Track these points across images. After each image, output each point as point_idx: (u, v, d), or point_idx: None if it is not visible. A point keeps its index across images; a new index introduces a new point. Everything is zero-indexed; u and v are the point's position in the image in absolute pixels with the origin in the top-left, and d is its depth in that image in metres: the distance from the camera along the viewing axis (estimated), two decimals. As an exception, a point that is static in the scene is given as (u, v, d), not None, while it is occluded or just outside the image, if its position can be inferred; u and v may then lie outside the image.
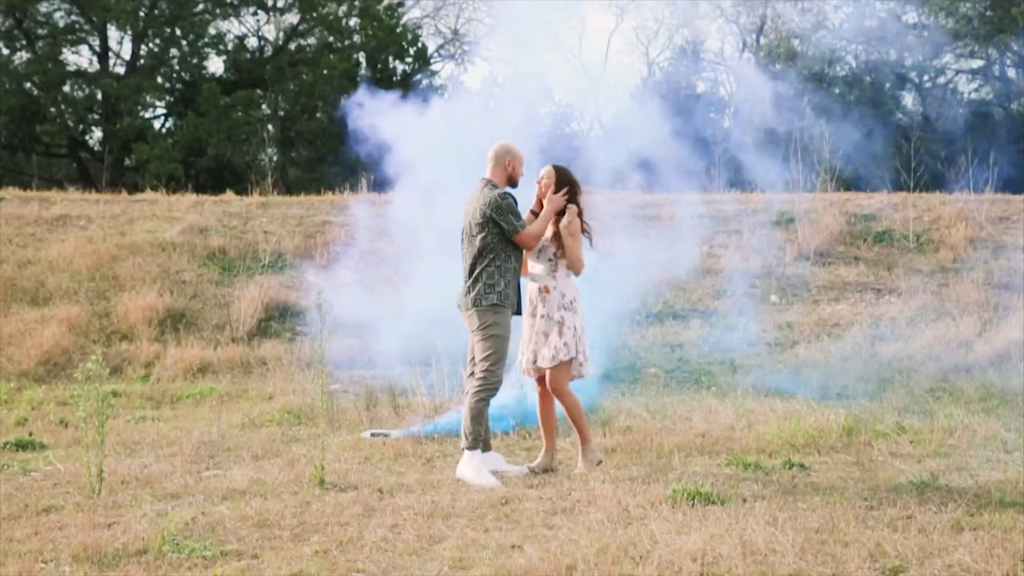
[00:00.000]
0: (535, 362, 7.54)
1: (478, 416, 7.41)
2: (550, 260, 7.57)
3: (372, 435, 9.08)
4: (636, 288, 13.45)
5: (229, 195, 18.32)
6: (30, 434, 9.29)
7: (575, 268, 7.56)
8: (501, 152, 7.67)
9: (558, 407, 7.69)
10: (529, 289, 7.63)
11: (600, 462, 7.64)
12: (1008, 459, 7.85)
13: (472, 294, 7.49)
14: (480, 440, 7.42)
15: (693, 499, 6.47)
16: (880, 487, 6.97)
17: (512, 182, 7.70)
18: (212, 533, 5.96)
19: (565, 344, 7.45)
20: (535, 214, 7.66)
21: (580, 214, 7.62)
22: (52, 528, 6.11)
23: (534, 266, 7.65)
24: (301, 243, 16.00)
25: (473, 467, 7.32)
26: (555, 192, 7.58)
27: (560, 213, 7.57)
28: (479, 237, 7.49)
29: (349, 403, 10.39)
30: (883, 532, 5.81)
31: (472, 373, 7.61)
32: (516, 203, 7.54)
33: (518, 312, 7.63)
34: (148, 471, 7.69)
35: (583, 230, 7.61)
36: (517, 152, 7.71)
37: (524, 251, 7.60)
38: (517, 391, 9.24)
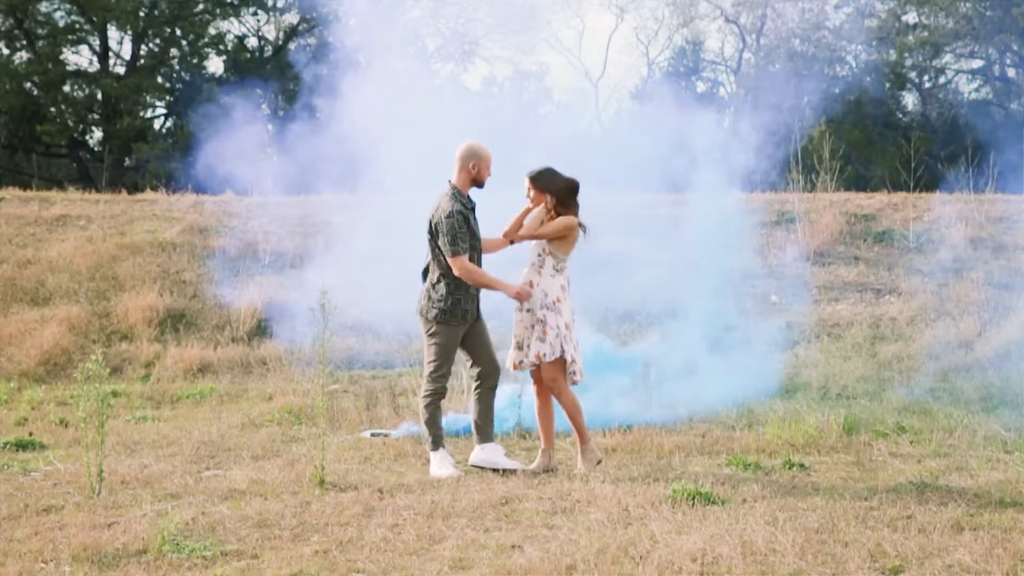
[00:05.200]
0: (522, 358, 7.55)
1: (431, 419, 7.60)
2: (539, 255, 7.58)
3: (372, 435, 9.08)
4: (636, 288, 13.45)
5: (229, 195, 18.31)
6: (30, 434, 9.29)
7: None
8: (466, 154, 7.58)
9: (557, 409, 7.70)
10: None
11: (600, 461, 7.64)
12: (1008, 459, 7.85)
13: (422, 301, 7.61)
14: (440, 441, 7.60)
15: (693, 499, 6.47)
16: (880, 487, 6.97)
17: (477, 184, 7.64)
18: (212, 533, 5.97)
19: (549, 345, 7.47)
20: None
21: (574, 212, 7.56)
22: (52, 528, 6.11)
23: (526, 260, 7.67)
24: (301, 243, 15.99)
25: (435, 463, 7.54)
26: (540, 200, 7.54)
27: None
28: (430, 246, 7.57)
29: (349, 403, 10.39)
30: (883, 532, 5.81)
31: (472, 365, 7.76)
32: (468, 220, 7.46)
33: (478, 316, 7.68)
34: (148, 471, 7.69)
35: (580, 225, 7.57)
36: (484, 153, 7.59)
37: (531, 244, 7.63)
38: (516, 390, 9.23)
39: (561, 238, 7.53)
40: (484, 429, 7.69)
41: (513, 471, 7.55)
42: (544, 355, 7.46)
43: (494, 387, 7.73)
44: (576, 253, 7.68)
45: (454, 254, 7.40)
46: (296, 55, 30.94)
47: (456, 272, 7.43)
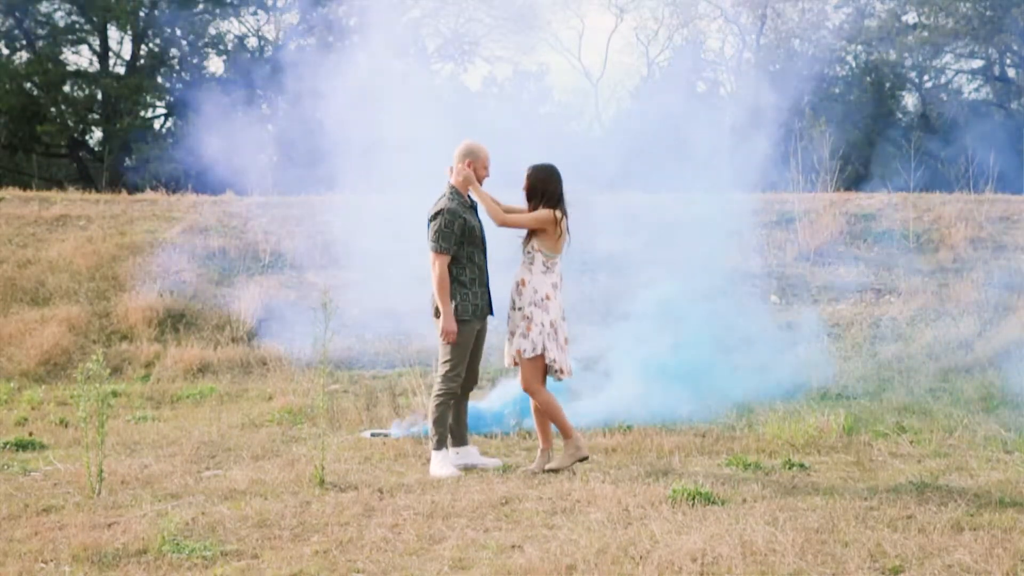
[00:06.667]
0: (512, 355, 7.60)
1: (439, 419, 7.62)
2: (528, 253, 7.60)
3: (372, 435, 9.08)
4: (636, 288, 13.43)
5: (229, 195, 18.30)
6: (30, 434, 9.29)
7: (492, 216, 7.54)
8: (463, 153, 7.65)
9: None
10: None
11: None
12: (1008, 459, 7.86)
13: (435, 303, 7.61)
14: (444, 441, 7.63)
15: (693, 499, 6.47)
16: (880, 487, 6.97)
17: None
18: (212, 533, 5.97)
19: (531, 341, 7.49)
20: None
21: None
22: (52, 528, 6.12)
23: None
24: (301, 243, 15.99)
25: (438, 463, 7.56)
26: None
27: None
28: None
29: (349, 403, 10.39)
30: (883, 532, 5.81)
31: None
32: (464, 220, 7.48)
33: (491, 312, 7.75)
34: (148, 471, 7.69)
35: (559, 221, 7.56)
36: (481, 153, 7.66)
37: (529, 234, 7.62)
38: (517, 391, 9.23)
39: (544, 233, 7.52)
40: (459, 433, 7.82)
41: (487, 468, 7.70)
42: (524, 351, 7.50)
43: (467, 394, 7.92)
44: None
45: (434, 251, 7.48)
46: (296, 55, 30.95)
47: (433, 270, 7.49)
